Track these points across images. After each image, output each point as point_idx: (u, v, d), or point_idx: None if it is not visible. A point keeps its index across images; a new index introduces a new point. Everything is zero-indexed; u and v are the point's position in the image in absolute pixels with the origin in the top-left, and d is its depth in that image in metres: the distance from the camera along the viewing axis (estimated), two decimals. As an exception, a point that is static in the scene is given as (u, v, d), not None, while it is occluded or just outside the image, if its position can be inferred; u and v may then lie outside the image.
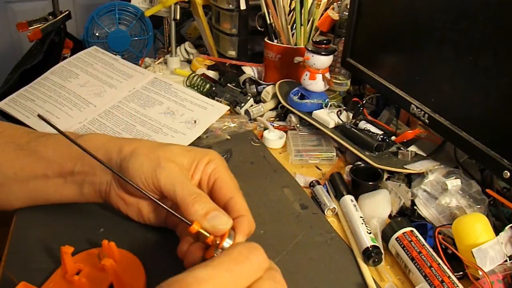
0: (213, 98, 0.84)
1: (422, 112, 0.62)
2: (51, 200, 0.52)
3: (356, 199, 0.60)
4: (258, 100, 0.87)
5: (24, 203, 0.53)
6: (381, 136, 0.69)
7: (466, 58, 0.55)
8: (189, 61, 1.07)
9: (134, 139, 0.50)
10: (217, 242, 0.41)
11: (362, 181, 0.62)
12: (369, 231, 0.53)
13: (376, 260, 0.50)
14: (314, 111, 0.76)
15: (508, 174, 0.50)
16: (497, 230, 0.50)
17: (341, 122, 0.73)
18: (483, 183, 0.62)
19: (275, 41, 0.89)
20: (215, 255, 0.41)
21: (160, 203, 0.41)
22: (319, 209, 0.60)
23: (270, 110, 0.86)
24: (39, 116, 0.43)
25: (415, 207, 0.59)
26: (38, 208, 0.53)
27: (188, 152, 0.48)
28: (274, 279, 0.34)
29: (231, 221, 0.42)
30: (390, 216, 0.59)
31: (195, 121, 0.76)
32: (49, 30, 0.98)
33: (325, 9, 0.87)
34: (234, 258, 0.33)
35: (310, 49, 0.76)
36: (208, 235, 0.41)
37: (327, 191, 0.62)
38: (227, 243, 0.41)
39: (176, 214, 0.40)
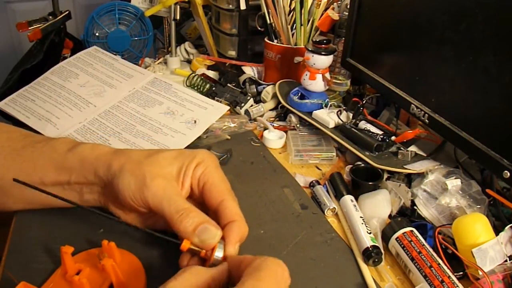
0: (213, 98, 0.84)
1: (422, 112, 0.62)
2: (52, 204, 0.51)
3: (356, 199, 0.60)
4: (258, 100, 0.87)
5: (24, 206, 0.53)
6: (381, 136, 0.69)
7: (466, 58, 0.55)
8: (189, 61, 1.07)
9: (122, 152, 0.49)
10: (209, 254, 0.42)
11: (362, 181, 0.62)
12: (369, 231, 0.53)
13: (376, 260, 0.50)
14: (314, 111, 0.76)
15: (508, 174, 0.50)
16: (497, 230, 0.50)
17: (341, 122, 0.73)
18: (483, 183, 0.61)
19: (275, 41, 0.89)
20: None
21: (148, 230, 0.43)
22: (319, 209, 0.60)
23: (270, 110, 0.86)
24: (15, 180, 0.45)
25: (415, 207, 0.59)
26: (38, 209, 0.53)
27: (176, 159, 0.48)
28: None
29: (219, 232, 0.42)
30: (390, 216, 0.59)
31: (195, 121, 0.76)
32: (49, 30, 0.98)
33: (325, 9, 0.87)
34: None
35: (310, 49, 0.76)
36: (200, 250, 0.41)
37: (327, 191, 0.62)
38: (218, 254, 0.42)
39: (164, 237, 0.42)
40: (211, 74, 0.95)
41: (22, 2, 1.90)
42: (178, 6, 1.00)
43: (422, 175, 0.62)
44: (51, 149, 0.50)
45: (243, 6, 0.94)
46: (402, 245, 0.50)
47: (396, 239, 0.51)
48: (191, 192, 0.49)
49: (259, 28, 0.94)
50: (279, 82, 0.86)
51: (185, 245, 0.41)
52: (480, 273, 0.47)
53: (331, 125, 0.74)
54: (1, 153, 0.50)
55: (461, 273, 0.49)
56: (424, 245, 0.50)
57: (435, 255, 0.49)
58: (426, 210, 0.58)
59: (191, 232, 0.42)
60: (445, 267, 0.47)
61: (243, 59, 0.99)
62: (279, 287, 0.36)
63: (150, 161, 0.47)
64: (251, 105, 0.84)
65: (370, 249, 0.50)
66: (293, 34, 0.88)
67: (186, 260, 0.44)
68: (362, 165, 0.66)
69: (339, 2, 0.86)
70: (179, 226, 0.42)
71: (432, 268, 0.47)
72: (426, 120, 0.62)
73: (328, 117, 0.74)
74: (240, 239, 0.44)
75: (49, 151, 0.50)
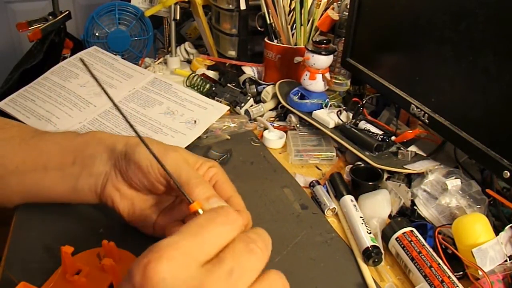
0: (213, 98, 0.84)
1: (422, 112, 0.62)
2: (46, 196, 0.52)
3: (356, 199, 0.60)
4: (258, 100, 0.87)
5: (21, 198, 0.53)
6: (381, 136, 0.69)
7: (466, 58, 0.55)
8: (189, 61, 1.07)
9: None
10: None
11: (362, 181, 0.62)
12: (369, 231, 0.53)
13: (376, 260, 0.50)
14: (314, 111, 0.76)
15: (508, 174, 0.50)
16: (497, 230, 0.50)
17: (341, 122, 0.73)
18: (483, 183, 0.62)
19: (275, 41, 0.89)
20: None
21: (166, 169, 0.40)
22: (319, 209, 0.60)
23: (270, 110, 0.86)
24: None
25: (415, 207, 0.59)
26: (39, 208, 0.53)
27: (192, 155, 0.49)
28: (247, 239, 0.32)
29: (232, 208, 0.42)
30: (390, 216, 0.59)
31: (195, 121, 0.75)
32: (49, 30, 0.98)
33: (325, 9, 0.87)
34: (201, 222, 0.32)
35: (310, 48, 0.76)
36: None
37: (327, 191, 0.62)
38: None
39: (179, 187, 0.39)
40: (211, 74, 0.96)
41: (22, 2, 1.90)
42: (178, 6, 1.00)
43: (422, 175, 0.62)
44: (60, 136, 0.52)
45: (243, 6, 0.94)
46: (402, 245, 0.50)
47: (396, 239, 0.51)
48: None
49: (259, 28, 0.94)
50: (279, 82, 0.86)
51: (196, 205, 0.40)
52: (480, 273, 0.47)
53: (331, 125, 0.74)
54: (10, 142, 0.51)
55: (461, 273, 0.49)
56: (424, 245, 0.50)
57: (435, 255, 0.49)
58: (426, 210, 0.58)
59: (204, 199, 0.41)
60: (445, 267, 0.47)
61: (243, 59, 0.99)
62: None
63: (169, 145, 0.48)
64: (251, 105, 0.84)
65: (370, 249, 0.50)
66: (293, 34, 0.88)
67: (177, 228, 0.44)
68: (362, 165, 0.66)
69: (339, 2, 0.86)
70: (194, 189, 0.41)
71: (432, 268, 0.47)
72: (426, 120, 0.62)
73: (328, 117, 0.74)
74: (247, 225, 0.44)
75: (58, 137, 0.52)
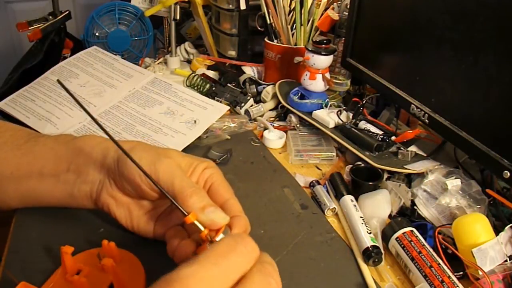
0: (213, 98, 0.84)
1: (422, 112, 0.62)
2: (43, 201, 0.52)
3: (356, 199, 0.60)
4: (258, 100, 0.87)
5: (18, 203, 0.53)
6: (381, 136, 0.69)
7: (466, 58, 0.55)
8: (189, 61, 1.07)
9: (131, 141, 0.50)
10: (211, 237, 0.40)
11: (362, 181, 0.62)
12: (369, 231, 0.53)
13: (376, 260, 0.50)
14: (314, 111, 0.76)
15: (508, 174, 0.50)
16: (497, 230, 0.50)
17: (341, 122, 0.73)
18: (483, 183, 0.61)
19: (275, 41, 0.89)
20: None
21: (158, 185, 0.40)
22: (319, 209, 0.60)
23: (270, 110, 0.86)
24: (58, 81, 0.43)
25: (415, 207, 0.59)
26: (38, 208, 0.53)
27: (186, 157, 0.48)
28: (265, 271, 0.33)
29: (228, 217, 0.42)
30: (390, 216, 0.59)
31: (195, 121, 0.75)
32: (49, 30, 0.98)
33: (325, 9, 0.87)
34: (221, 251, 0.32)
35: (310, 49, 0.76)
36: (202, 229, 0.40)
37: (327, 191, 0.62)
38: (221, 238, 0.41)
39: (174, 201, 0.40)
40: (211, 74, 0.96)
41: (22, 2, 1.90)
42: (178, 6, 1.00)
43: (422, 175, 0.62)
44: (54, 141, 0.51)
45: (243, 6, 0.94)
46: (402, 245, 0.50)
47: (396, 239, 0.51)
48: None
49: (259, 28, 0.94)
50: (279, 82, 0.86)
51: (191, 217, 0.40)
52: (480, 273, 0.47)
53: (331, 125, 0.74)
54: (3, 148, 0.51)
55: (461, 273, 0.49)
56: (424, 245, 0.50)
57: (435, 255, 0.49)
58: (426, 210, 0.58)
59: (200, 209, 0.40)
60: (445, 267, 0.47)
61: (243, 59, 0.99)
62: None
63: (161, 149, 0.48)
64: (251, 105, 0.84)
65: (370, 249, 0.50)
66: (293, 34, 0.88)
67: (176, 242, 0.44)
68: (362, 165, 0.66)
69: (339, 2, 0.86)
70: (188, 199, 0.41)
71: (432, 268, 0.47)
72: (426, 120, 0.62)
73: (328, 117, 0.74)
74: (245, 231, 0.44)
75: (51, 143, 0.51)
